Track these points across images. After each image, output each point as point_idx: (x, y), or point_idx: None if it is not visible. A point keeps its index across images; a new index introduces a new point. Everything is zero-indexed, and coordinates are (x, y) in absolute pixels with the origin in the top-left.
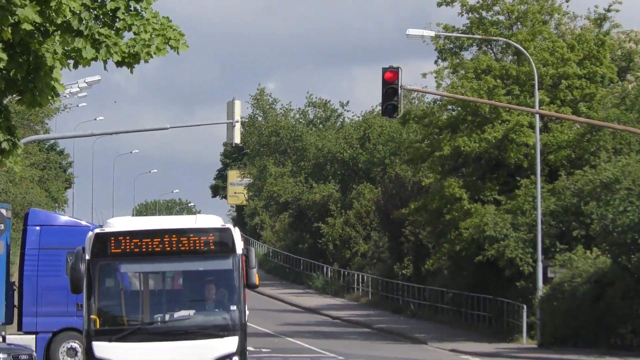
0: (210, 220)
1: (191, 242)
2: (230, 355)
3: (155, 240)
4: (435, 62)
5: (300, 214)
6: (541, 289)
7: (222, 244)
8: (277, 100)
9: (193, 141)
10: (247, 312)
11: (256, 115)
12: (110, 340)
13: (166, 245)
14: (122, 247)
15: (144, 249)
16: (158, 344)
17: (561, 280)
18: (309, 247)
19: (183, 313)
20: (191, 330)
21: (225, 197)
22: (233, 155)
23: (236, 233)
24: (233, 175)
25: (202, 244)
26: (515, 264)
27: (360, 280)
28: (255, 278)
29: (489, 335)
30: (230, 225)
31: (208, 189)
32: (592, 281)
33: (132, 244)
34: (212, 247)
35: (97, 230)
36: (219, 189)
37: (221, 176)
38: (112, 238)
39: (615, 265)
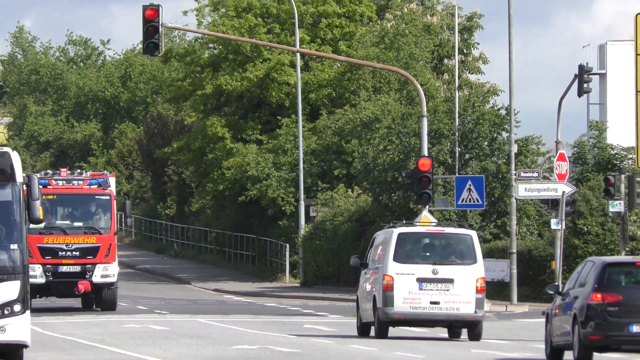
0: None
1: None
2: (10, 303)
3: None
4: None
5: (61, 154)
6: (303, 227)
7: None
8: (37, 38)
9: None
10: (116, 269)
11: (15, 54)
12: None
13: None
14: None
15: None
16: None
17: (323, 219)
18: None
19: None
20: None
21: None
22: None
23: (15, 158)
24: None
25: None
26: (277, 203)
27: (123, 220)
28: (39, 211)
29: (253, 275)
30: (8, 149)
31: None
32: (353, 220)
33: None
34: None
35: None
36: None
37: None
38: None
39: (376, 203)
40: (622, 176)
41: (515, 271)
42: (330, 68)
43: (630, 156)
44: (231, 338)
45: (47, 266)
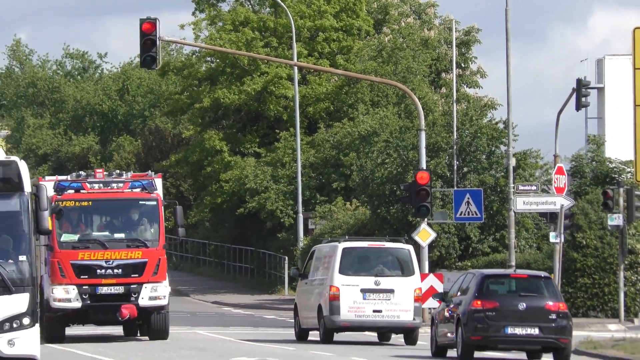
0: None
1: None
2: (19, 316)
3: None
4: (193, 13)
5: (59, 166)
6: (302, 240)
7: (6, 180)
8: (34, 52)
9: None
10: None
11: (13, 67)
12: None
13: None
14: None
15: None
16: None
17: (321, 232)
18: None
19: None
20: None
21: None
22: None
23: (23, 167)
24: None
25: None
26: (276, 216)
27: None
28: (48, 222)
29: (252, 287)
30: (15, 158)
31: None
32: (351, 232)
33: None
34: None
35: None
36: None
37: None
38: None
39: (375, 216)
40: (621, 189)
41: None
42: (328, 82)
43: (628, 170)
44: (230, 350)
45: (84, 287)
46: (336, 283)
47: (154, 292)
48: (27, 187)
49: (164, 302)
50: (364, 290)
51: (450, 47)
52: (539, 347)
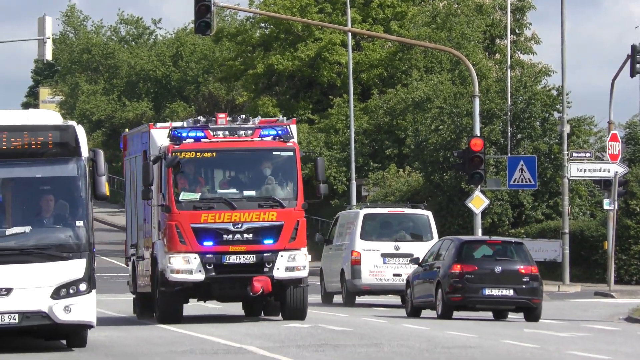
0: (47, 116)
1: (25, 141)
2: (75, 282)
3: None
4: None
5: (113, 132)
6: (355, 207)
7: (63, 145)
8: (88, 18)
9: (1, 58)
10: None
11: (67, 33)
12: None
13: None
14: None
15: None
16: None
17: (374, 199)
18: (123, 165)
19: (16, 230)
20: (27, 251)
21: None
22: (44, 73)
23: (80, 132)
24: (45, 92)
25: (38, 144)
26: (329, 182)
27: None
28: (105, 187)
29: None
30: (73, 123)
31: (19, 107)
32: (405, 199)
33: None
34: (51, 148)
35: None
36: (30, 106)
37: (32, 94)
38: None
39: (428, 183)
40: None
41: (567, 251)
42: (382, 48)
43: None
44: None
45: (208, 256)
46: (357, 248)
47: (292, 262)
48: (85, 152)
49: (303, 273)
50: (384, 255)
51: (504, 13)
52: (513, 307)
